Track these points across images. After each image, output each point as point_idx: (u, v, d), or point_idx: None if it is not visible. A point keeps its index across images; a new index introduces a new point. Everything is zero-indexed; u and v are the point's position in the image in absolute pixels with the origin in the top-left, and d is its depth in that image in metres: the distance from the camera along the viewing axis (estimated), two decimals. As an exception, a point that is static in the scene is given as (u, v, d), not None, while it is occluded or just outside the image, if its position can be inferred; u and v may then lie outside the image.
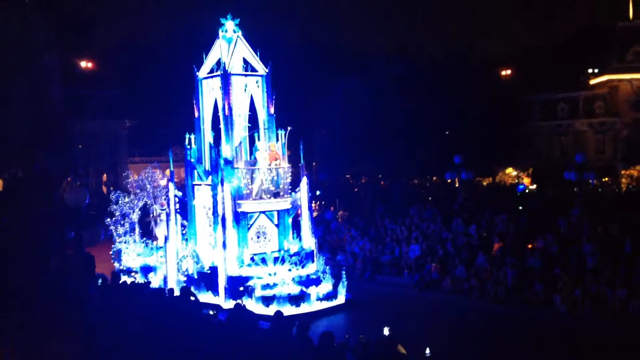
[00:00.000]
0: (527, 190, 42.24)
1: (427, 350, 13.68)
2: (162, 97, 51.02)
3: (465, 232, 27.69)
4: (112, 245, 26.73)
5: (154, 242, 26.22)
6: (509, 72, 63.95)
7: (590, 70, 59.96)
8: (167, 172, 27.55)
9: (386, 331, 13.92)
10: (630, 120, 52.30)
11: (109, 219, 26.94)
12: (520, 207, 32.29)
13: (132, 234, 26.49)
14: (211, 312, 18.23)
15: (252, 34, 23.49)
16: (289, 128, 22.92)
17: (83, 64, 57.40)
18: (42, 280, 15.42)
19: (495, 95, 54.81)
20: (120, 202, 26.83)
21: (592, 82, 59.17)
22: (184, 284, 22.33)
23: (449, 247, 26.33)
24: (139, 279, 24.06)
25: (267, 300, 20.62)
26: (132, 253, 25.81)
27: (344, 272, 22.68)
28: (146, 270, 24.94)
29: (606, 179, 48.22)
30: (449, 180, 44.05)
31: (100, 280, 19.05)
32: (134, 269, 25.18)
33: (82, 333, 12.04)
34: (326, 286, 22.13)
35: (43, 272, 17.75)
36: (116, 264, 25.91)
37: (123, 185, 55.23)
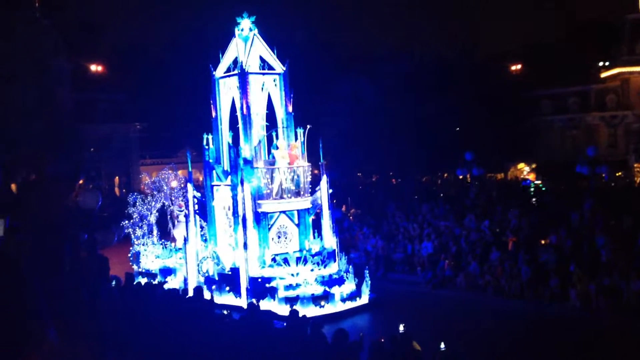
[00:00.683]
0: (532, 186, 42.02)
1: (442, 345, 13.64)
2: (172, 99, 51.21)
3: (477, 228, 27.60)
4: (130, 248, 26.61)
5: (172, 244, 26.09)
6: (518, 67, 63.68)
7: (601, 64, 59.59)
8: (180, 173, 27.66)
9: (401, 328, 13.90)
10: (642, 113, 51.97)
11: (126, 221, 26.78)
12: (534, 202, 32.15)
13: (150, 235, 26.38)
14: (225, 312, 18.29)
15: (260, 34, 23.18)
16: (308, 126, 22.50)
17: (93, 67, 57.68)
18: (56, 284, 15.51)
19: (505, 90, 54.60)
20: (137, 204, 26.65)
21: (603, 75, 58.76)
22: (204, 285, 22.24)
23: (462, 243, 26.25)
24: (159, 280, 23.77)
25: (290, 301, 20.30)
26: (150, 255, 25.65)
27: (367, 271, 22.31)
28: (165, 272, 24.75)
29: (619, 173, 47.90)
30: (461, 177, 43.97)
31: (114, 282, 19.15)
32: (153, 271, 25.06)
33: (96, 334, 12.11)
34: (349, 286, 21.83)
35: (57, 275, 17.87)
36: (135, 267, 25.81)
37: (136, 187, 55.80)
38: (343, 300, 21.20)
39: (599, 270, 21.16)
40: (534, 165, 57.97)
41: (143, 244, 26.04)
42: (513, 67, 63.74)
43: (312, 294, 20.65)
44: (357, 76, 46.16)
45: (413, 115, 45.81)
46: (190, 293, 21.67)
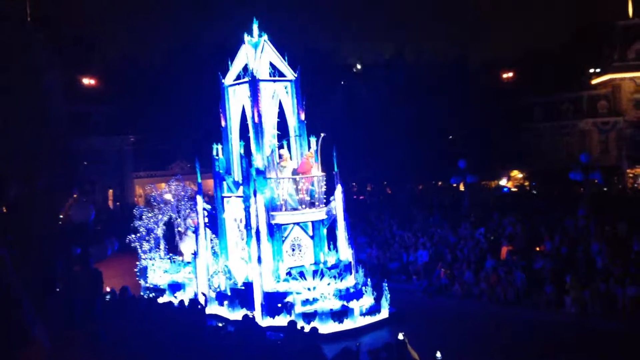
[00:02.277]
0: (510, 192, 42.30)
1: (438, 354, 13.59)
2: (166, 112, 51.21)
3: (472, 236, 27.62)
4: (137, 262, 25.88)
5: (180, 258, 25.36)
6: (510, 74, 64.01)
7: (592, 70, 59.93)
8: (170, 186, 27.18)
9: (400, 336, 13.84)
10: (634, 119, 52.16)
11: (132, 235, 26.04)
12: (527, 209, 32.22)
13: (157, 249, 25.63)
14: (220, 324, 18.21)
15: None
16: (322, 135, 21.61)
17: (86, 80, 57.67)
18: (49, 299, 15.42)
19: (497, 98, 54.83)
20: (144, 217, 25.96)
21: (595, 81, 59.09)
22: (216, 301, 21.76)
23: (457, 251, 26.23)
24: (167, 296, 23.26)
25: (308, 317, 19.31)
26: (158, 270, 24.87)
27: (385, 284, 21.22)
28: (174, 287, 23.98)
29: (615, 179, 48.03)
30: (454, 185, 44.03)
31: (109, 296, 19.04)
32: (161, 287, 24.29)
33: (90, 347, 12.03)
34: (368, 299, 20.88)
35: (49, 290, 17.77)
36: (142, 282, 25.13)
37: (129, 200, 55.63)
38: (362, 314, 20.28)
39: (594, 276, 21.15)
40: (520, 173, 58.16)
41: (150, 259, 25.30)
42: (506, 75, 64.07)
43: (331, 309, 19.77)
44: (351, 84, 46.30)
45: (407, 124, 45.92)
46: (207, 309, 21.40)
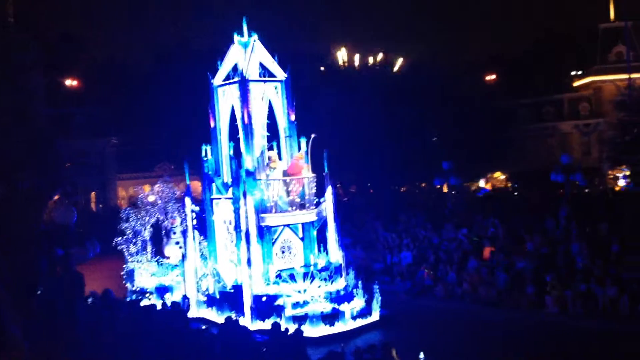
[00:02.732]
0: (487, 195, 42.64)
1: (421, 355, 13.69)
2: (149, 113, 51.00)
3: (456, 237, 27.78)
4: (123, 265, 25.40)
5: (168, 261, 24.92)
6: (493, 77, 64.45)
7: (574, 73, 60.51)
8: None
9: (381, 342, 13.92)
10: (615, 121, 52.66)
11: (119, 238, 25.50)
12: (510, 210, 32.43)
13: (144, 252, 25.17)
14: (203, 327, 18.17)
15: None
16: (312, 135, 21.28)
17: (68, 82, 57.35)
18: (30, 301, 15.33)
19: (480, 100, 55.12)
20: (130, 219, 25.41)
21: (576, 84, 59.67)
22: (205, 304, 21.64)
23: (441, 253, 26.38)
24: (155, 300, 22.83)
25: (298, 320, 19.09)
26: (145, 273, 24.42)
27: (376, 286, 21.09)
28: (162, 290, 23.61)
29: (596, 180, 48.48)
30: (438, 186, 44.25)
31: (91, 299, 18.94)
32: (148, 290, 23.90)
33: (71, 351, 11.98)
34: (359, 302, 20.74)
35: (31, 292, 17.65)
36: (128, 285, 24.73)
37: (113, 202, 55.32)
38: (353, 317, 20.11)
39: (574, 276, 21.37)
40: (502, 176, 58.57)
41: (137, 261, 24.85)
42: (489, 77, 64.48)
43: (322, 312, 19.61)
44: (334, 87, 46.32)
45: (391, 126, 46.03)
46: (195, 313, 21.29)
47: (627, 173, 40.62)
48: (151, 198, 26.18)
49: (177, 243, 24.76)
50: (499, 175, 61.63)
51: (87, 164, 54.74)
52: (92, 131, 54.88)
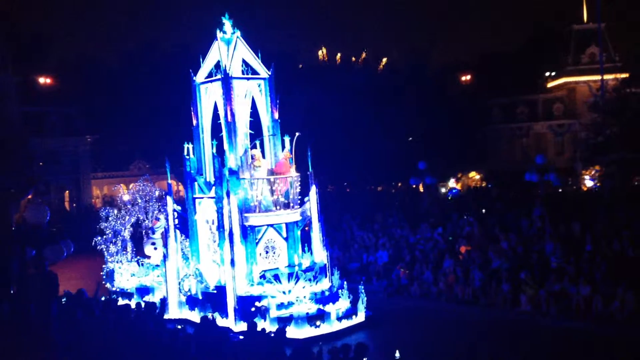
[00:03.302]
0: (457, 196, 42.95)
1: (397, 354, 13.73)
2: (123, 112, 50.62)
3: (431, 236, 27.92)
4: (104, 265, 25.04)
5: (148, 261, 24.42)
6: (468, 77, 64.95)
7: (548, 74, 61.16)
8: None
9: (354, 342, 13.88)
10: (588, 122, 53.32)
11: (99, 237, 25.13)
12: (484, 210, 32.69)
13: (124, 252, 24.70)
14: (179, 327, 18.06)
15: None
16: (297, 134, 20.92)
17: (41, 80, 56.67)
18: (3, 301, 15.10)
19: (456, 100, 55.53)
20: (110, 218, 24.92)
21: (550, 85, 60.32)
22: (187, 306, 21.26)
23: (417, 252, 26.48)
24: (135, 301, 22.28)
25: (283, 322, 18.74)
26: (125, 273, 23.99)
27: (361, 287, 20.86)
28: (142, 291, 23.22)
29: (569, 180, 49.03)
30: (414, 186, 44.46)
31: (65, 298, 18.73)
32: (128, 290, 23.55)
33: (45, 352, 11.84)
34: (344, 303, 20.38)
35: (3, 293, 17.39)
36: (108, 285, 24.23)
37: (87, 201, 54.74)
38: (339, 319, 19.77)
39: (548, 275, 21.57)
40: (477, 175, 58.91)
41: (117, 261, 24.45)
42: (464, 78, 64.96)
43: (307, 313, 19.29)
44: (311, 86, 46.31)
45: (367, 126, 46.16)
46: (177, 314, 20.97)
47: (595, 174, 41.18)
48: (125, 197, 25.95)
49: (153, 244, 24.51)
50: (474, 175, 62.09)
51: (61, 162, 54.12)
52: (66, 130, 54.31)
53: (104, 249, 25.03)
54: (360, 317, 20.45)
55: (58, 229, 35.20)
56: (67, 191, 56.83)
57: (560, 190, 41.35)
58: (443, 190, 51.59)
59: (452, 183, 55.02)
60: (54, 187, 54.04)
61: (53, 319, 15.56)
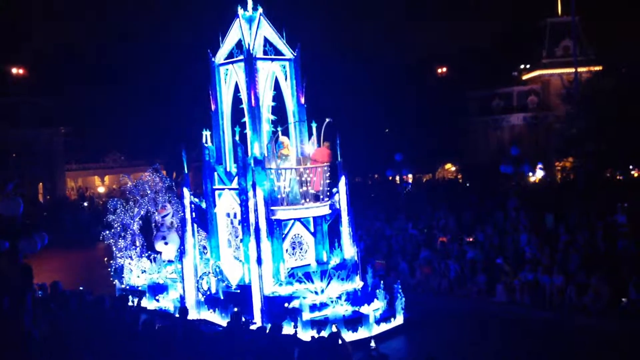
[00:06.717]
0: (409, 188, 43.24)
1: (372, 343, 13.85)
2: (99, 103, 50.08)
3: (408, 228, 28.08)
4: (111, 262, 23.79)
5: (159, 256, 23.01)
6: (444, 70, 65.33)
7: (522, 66, 61.73)
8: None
9: (334, 328, 13.94)
10: (562, 114, 53.90)
11: (107, 232, 23.76)
12: (460, 201, 32.97)
13: (134, 247, 23.33)
14: (157, 325, 17.94)
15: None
16: (327, 120, 19.24)
17: (14, 70, 55.89)
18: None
19: (432, 93, 55.82)
20: (118, 210, 23.50)
21: (525, 77, 60.90)
22: (205, 305, 19.86)
23: (393, 243, 26.62)
24: (147, 299, 21.52)
25: (318, 325, 17.08)
26: (136, 270, 22.56)
27: (398, 286, 19.12)
28: (155, 289, 21.73)
29: (542, 170, 49.60)
30: (390, 178, 44.64)
31: (40, 292, 18.56)
32: (139, 288, 22.11)
33: (20, 346, 11.73)
34: (379, 304, 18.77)
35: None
36: (117, 282, 23.06)
37: (61, 193, 54.14)
38: (377, 321, 18.20)
39: (523, 266, 21.83)
40: (452, 167, 59.27)
41: (128, 257, 23.02)
42: (441, 70, 65.32)
43: (344, 316, 17.68)
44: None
45: (343, 118, 46.19)
46: (193, 315, 19.64)
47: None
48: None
49: (164, 238, 23.17)
50: (450, 167, 62.53)
51: (34, 154, 53.45)
52: (39, 121, 53.60)
53: (112, 244, 23.63)
54: (399, 319, 18.89)
55: (31, 221, 34.80)
56: (41, 183, 56.21)
57: (535, 181, 41.84)
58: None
59: (409, 178, 54.83)
60: (28, 179, 53.42)
61: (27, 311, 15.42)
